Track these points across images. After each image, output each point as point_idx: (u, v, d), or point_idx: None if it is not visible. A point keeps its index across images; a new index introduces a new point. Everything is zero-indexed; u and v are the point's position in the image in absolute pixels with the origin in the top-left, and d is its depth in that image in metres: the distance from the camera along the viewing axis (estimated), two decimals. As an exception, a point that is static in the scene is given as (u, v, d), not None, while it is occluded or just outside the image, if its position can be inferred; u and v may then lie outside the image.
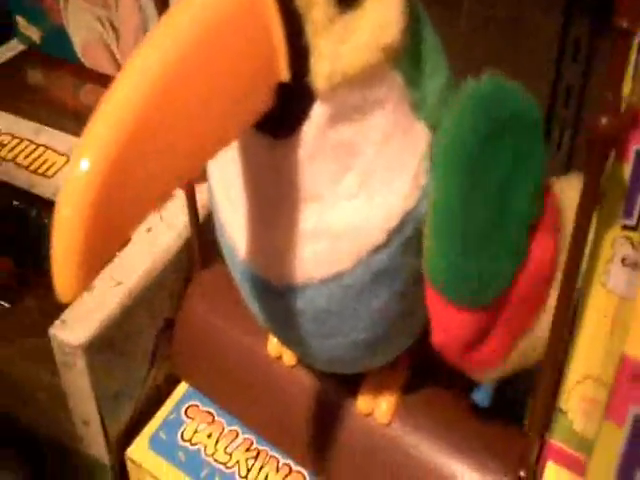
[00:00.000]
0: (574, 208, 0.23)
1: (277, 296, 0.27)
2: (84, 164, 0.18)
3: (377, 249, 0.25)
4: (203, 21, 0.19)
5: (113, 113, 0.18)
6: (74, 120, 0.53)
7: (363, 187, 0.24)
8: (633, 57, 0.23)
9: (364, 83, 0.22)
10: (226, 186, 0.27)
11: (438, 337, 0.26)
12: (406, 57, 0.23)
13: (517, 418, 0.33)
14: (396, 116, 0.23)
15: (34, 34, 0.52)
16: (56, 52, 0.52)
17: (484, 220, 0.24)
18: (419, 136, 0.24)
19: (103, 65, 0.50)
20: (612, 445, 0.19)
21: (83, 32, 0.49)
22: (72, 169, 0.18)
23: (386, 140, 0.23)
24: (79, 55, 0.51)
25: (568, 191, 0.27)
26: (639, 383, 0.18)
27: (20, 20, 0.52)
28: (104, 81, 0.50)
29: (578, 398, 0.27)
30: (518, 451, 0.29)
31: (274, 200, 0.25)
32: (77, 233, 0.18)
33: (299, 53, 0.21)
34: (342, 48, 0.21)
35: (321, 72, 0.22)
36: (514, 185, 0.24)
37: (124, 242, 0.20)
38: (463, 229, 0.24)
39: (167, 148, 0.19)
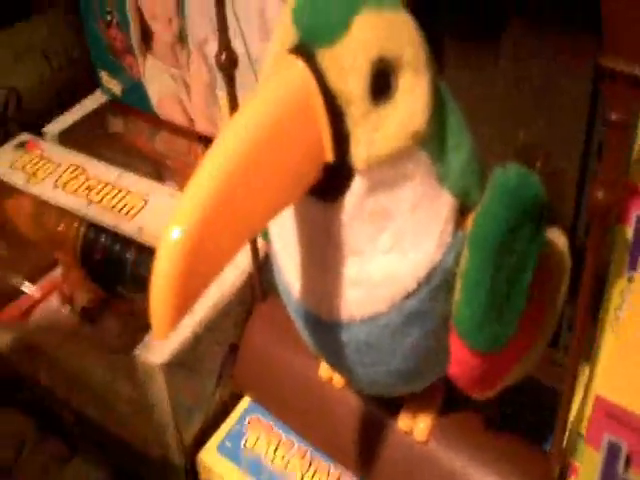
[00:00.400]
0: (557, 251, 0.29)
1: (326, 329, 0.31)
2: (177, 231, 0.23)
3: (408, 295, 0.29)
4: (267, 117, 0.24)
5: (200, 190, 0.23)
6: (149, 164, 0.60)
7: (396, 245, 0.28)
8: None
9: (395, 162, 0.27)
10: (283, 238, 0.32)
11: (453, 370, 0.30)
12: (431, 138, 0.28)
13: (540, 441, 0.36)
14: (423, 187, 0.28)
15: (115, 87, 0.59)
16: (135, 103, 0.58)
17: (502, 292, 0.28)
18: (444, 203, 0.29)
19: (175, 116, 0.55)
20: (592, 465, 0.23)
21: (158, 87, 0.55)
22: (167, 233, 0.23)
23: (415, 207, 0.28)
24: (154, 107, 0.56)
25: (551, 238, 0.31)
26: (609, 416, 0.22)
27: (103, 74, 0.59)
28: (176, 131, 0.57)
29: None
30: (542, 472, 0.33)
31: (322, 251, 0.30)
32: (169, 289, 0.23)
33: (341, 140, 0.26)
34: (376, 135, 0.26)
35: (359, 156, 0.26)
36: (525, 262, 0.28)
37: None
38: (489, 299, 0.28)
39: (241, 216, 0.25)
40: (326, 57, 0.25)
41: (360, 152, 0.26)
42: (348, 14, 0.25)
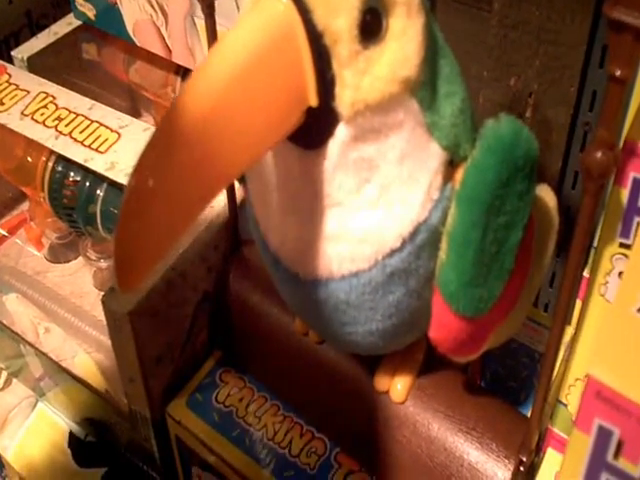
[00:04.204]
0: (543, 207, 0.28)
1: (303, 286, 0.30)
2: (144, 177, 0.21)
3: (392, 253, 0.27)
4: (246, 55, 0.22)
5: (169, 130, 0.21)
6: (124, 94, 0.57)
7: (381, 198, 0.27)
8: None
9: (383, 109, 0.25)
10: (260, 186, 0.29)
11: (434, 334, 0.29)
12: (423, 85, 0.25)
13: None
14: (412, 137, 0.26)
15: (89, 11, 0.55)
16: (109, 29, 0.54)
17: (490, 252, 0.26)
18: (433, 155, 0.27)
19: (152, 44, 0.52)
20: (580, 450, 0.22)
21: (134, 12, 0.52)
22: (132, 179, 0.21)
23: (402, 158, 0.26)
24: (130, 33, 0.53)
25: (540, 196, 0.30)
26: (602, 399, 0.21)
27: (76, -4, 0.55)
28: (152, 61, 0.53)
29: (578, 394, 0.30)
30: (520, 436, 0.32)
31: (302, 203, 0.28)
32: (135, 237, 0.21)
33: (327, 82, 0.24)
34: (364, 79, 0.24)
35: (345, 100, 0.24)
36: (515, 220, 0.27)
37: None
38: (476, 259, 0.26)
39: (216, 161, 0.23)
40: None
41: (346, 96, 0.24)
42: None
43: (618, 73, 0.22)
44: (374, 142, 0.25)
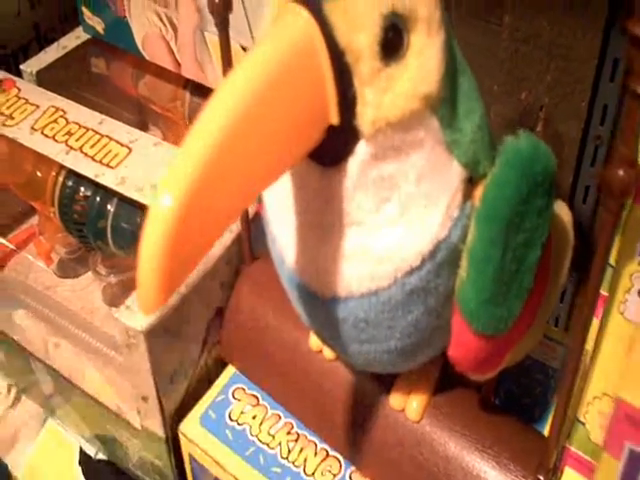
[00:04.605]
0: (560, 224, 0.28)
1: (321, 304, 0.29)
2: (167, 198, 0.20)
3: (411, 271, 0.27)
4: (267, 73, 0.22)
5: (195, 150, 0.21)
6: (132, 108, 0.56)
7: (401, 217, 0.26)
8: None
9: (404, 127, 0.24)
10: (278, 205, 0.29)
11: (453, 352, 0.28)
12: (443, 102, 0.25)
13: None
14: (432, 155, 0.26)
15: (98, 25, 0.55)
16: (118, 42, 0.54)
17: (510, 270, 0.26)
18: (453, 173, 0.26)
19: (161, 58, 0.52)
20: (610, 475, 0.22)
21: (144, 26, 0.51)
22: (156, 200, 0.20)
23: (422, 177, 0.26)
24: (139, 47, 0.53)
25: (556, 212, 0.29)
26: (632, 422, 0.20)
27: (85, 11, 0.55)
28: (161, 74, 0.53)
29: (596, 412, 0.29)
30: (538, 455, 0.32)
31: (321, 221, 0.27)
32: (160, 260, 0.20)
33: (348, 100, 0.24)
34: (385, 97, 0.24)
35: (366, 118, 0.24)
36: (533, 240, 0.26)
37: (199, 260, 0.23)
38: (496, 277, 0.26)
39: (238, 181, 0.22)
40: (334, 8, 0.22)
41: (367, 114, 0.24)
42: None
43: (639, 90, 0.21)
44: (394, 160, 0.25)
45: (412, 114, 0.24)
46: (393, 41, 0.23)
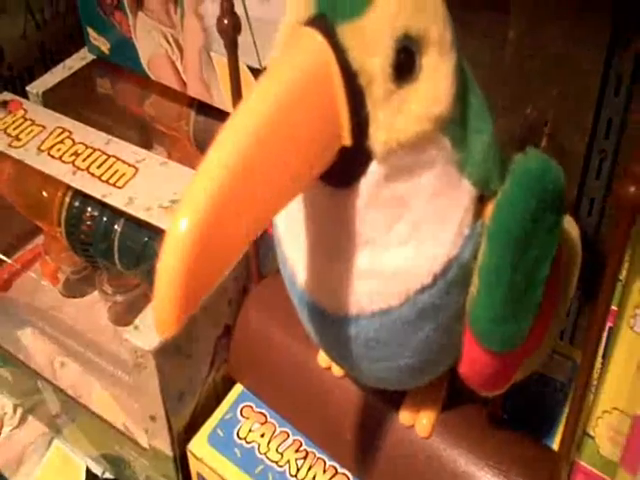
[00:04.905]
0: (570, 240, 0.28)
1: (331, 323, 0.30)
2: (184, 222, 0.21)
3: (422, 289, 0.27)
4: (282, 97, 0.22)
5: (210, 176, 0.21)
6: (138, 128, 0.57)
7: (412, 236, 0.27)
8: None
9: (416, 148, 0.25)
10: (289, 225, 0.29)
11: (464, 369, 0.29)
12: (454, 122, 0.26)
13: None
14: (443, 175, 0.26)
15: (103, 45, 0.55)
16: (124, 63, 0.55)
17: (520, 287, 0.26)
18: (464, 191, 0.27)
19: (167, 78, 0.52)
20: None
21: (149, 46, 0.52)
22: (173, 224, 0.21)
23: (433, 196, 0.26)
24: (145, 67, 0.53)
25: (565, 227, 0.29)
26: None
27: (90, 31, 0.55)
28: (167, 94, 0.54)
29: (605, 426, 0.30)
30: (548, 470, 0.32)
31: (332, 240, 0.28)
32: (177, 283, 0.21)
33: (360, 122, 0.24)
34: (397, 118, 0.24)
35: (379, 139, 0.24)
36: (543, 256, 0.27)
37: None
38: (507, 295, 0.26)
39: (253, 205, 0.22)
40: (347, 31, 0.23)
41: (380, 136, 0.24)
42: None
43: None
44: (406, 180, 0.26)
45: (424, 135, 0.25)
46: (405, 63, 0.24)
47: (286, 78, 0.22)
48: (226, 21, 0.33)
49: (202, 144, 0.53)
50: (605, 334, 0.29)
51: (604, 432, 0.30)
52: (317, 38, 0.23)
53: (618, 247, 0.25)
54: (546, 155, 0.26)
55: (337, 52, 0.23)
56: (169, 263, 0.21)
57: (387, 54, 0.23)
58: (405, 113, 0.24)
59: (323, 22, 0.23)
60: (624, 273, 0.29)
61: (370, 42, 0.23)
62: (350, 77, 0.23)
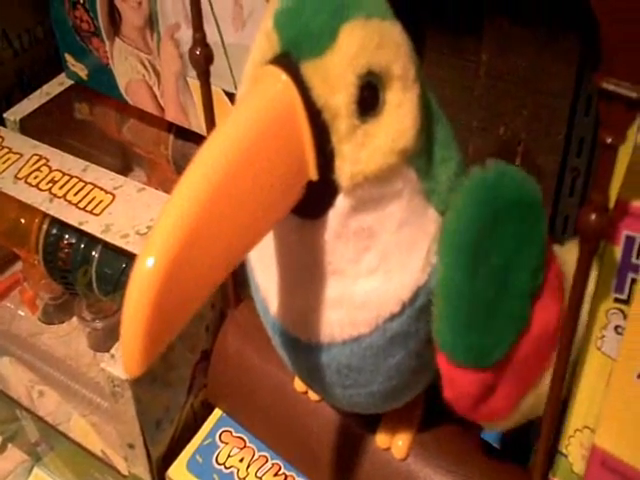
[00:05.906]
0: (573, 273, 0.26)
1: (304, 350, 0.30)
2: (150, 261, 0.21)
3: (392, 317, 0.28)
4: (248, 134, 0.23)
5: (176, 214, 0.21)
6: (117, 152, 0.57)
7: (380, 265, 0.27)
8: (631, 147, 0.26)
9: (382, 180, 0.25)
10: (260, 255, 0.30)
11: (448, 393, 0.29)
12: (419, 154, 0.26)
13: (523, 459, 0.36)
14: (410, 205, 0.26)
15: (81, 71, 0.56)
16: (101, 88, 0.55)
17: (487, 296, 0.27)
18: (430, 220, 0.27)
19: (144, 103, 0.53)
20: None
21: (127, 72, 0.52)
22: (140, 263, 0.21)
23: (401, 226, 0.26)
24: (122, 93, 0.54)
25: (568, 257, 0.29)
26: (608, 469, 0.21)
27: (68, 57, 0.56)
28: (145, 118, 0.54)
29: (577, 444, 0.30)
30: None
31: (303, 270, 0.28)
32: (142, 324, 0.21)
33: (326, 156, 0.24)
34: (363, 152, 0.24)
35: (344, 172, 0.25)
36: (516, 264, 0.27)
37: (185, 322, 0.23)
38: (467, 304, 0.26)
39: (221, 244, 0.23)
40: (311, 69, 0.23)
41: (345, 169, 0.25)
42: (335, 23, 0.23)
43: (609, 141, 0.22)
44: (373, 212, 0.26)
45: (389, 168, 0.25)
46: (369, 99, 0.24)
47: (252, 116, 0.23)
48: (198, 52, 0.34)
49: (181, 168, 0.53)
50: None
51: (577, 450, 0.30)
52: (281, 77, 0.23)
53: (582, 272, 0.26)
54: (513, 167, 0.27)
55: (301, 90, 0.23)
56: (134, 302, 0.21)
57: (350, 91, 0.24)
58: (370, 147, 0.25)
59: (287, 60, 0.23)
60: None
61: (333, 79, 0.23)
62: (314, 114, 0.24)
